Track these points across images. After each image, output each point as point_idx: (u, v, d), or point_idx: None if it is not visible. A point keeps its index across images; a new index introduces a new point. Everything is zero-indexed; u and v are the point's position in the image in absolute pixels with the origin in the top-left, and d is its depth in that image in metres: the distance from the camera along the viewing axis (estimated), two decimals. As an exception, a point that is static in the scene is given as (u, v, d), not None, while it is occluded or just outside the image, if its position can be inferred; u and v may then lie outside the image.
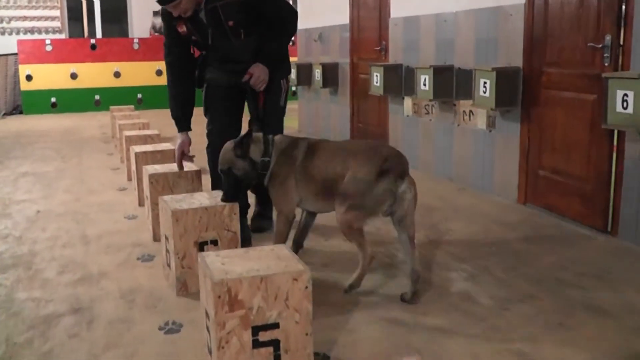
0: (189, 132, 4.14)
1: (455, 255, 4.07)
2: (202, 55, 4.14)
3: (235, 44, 3.89)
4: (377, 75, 6.97)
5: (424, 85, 6.14)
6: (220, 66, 4.07)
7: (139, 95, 13.87)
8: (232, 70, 3.96)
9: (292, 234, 3.74)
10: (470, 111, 5.92)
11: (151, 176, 4.34)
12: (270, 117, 4.00)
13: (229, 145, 3.43)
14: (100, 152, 8.20)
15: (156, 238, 4.35)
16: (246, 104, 4.20)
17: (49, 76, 13.40)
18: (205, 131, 4.22)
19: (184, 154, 4.16)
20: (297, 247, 3.77)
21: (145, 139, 6.38)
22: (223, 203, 3.47)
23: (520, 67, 5.19)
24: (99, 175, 6.75)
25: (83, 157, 7.87)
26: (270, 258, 2.60)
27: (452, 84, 6.07)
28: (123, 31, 15.33)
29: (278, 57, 4.02)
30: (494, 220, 4.86)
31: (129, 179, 6.30)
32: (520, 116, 5.26)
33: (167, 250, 3.56)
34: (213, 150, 3.97)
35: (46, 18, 14.45)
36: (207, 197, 3.62)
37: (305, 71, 9.16)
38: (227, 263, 2.54)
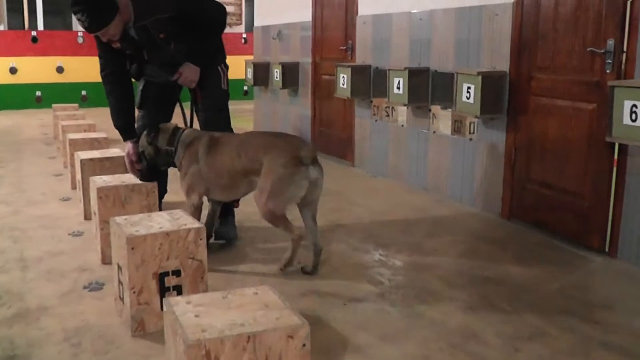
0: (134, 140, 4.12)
1: (447, 282, 3.64)
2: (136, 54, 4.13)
3: (169, 53, 4.01)
4: (343, 77, 6.51)
5: (398, 88, 5.71)
6: (157, 67, 4.13)
7: (84, 92, 13.15)
8: (168, 70, 4.03)
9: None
10: (434, 114, 5.52)
11: (100, 190, 3.79)
12: (211, 101, 4.18)
13: (146, 130, 3.85)
14: (42, 156, 7.54)
15: (105, 260, 3.81)
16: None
17: (-15, 71, 12.58)
18: (137, 124, 4.23)
19: (133, 161, 4.05)
20: (208, 237, 3.75)
21: (92, 144, 5.79)
22: (186, 227, 2.98)
23: (507, 72, 4.80)
24: (40, 183, 6.12)
25: (23, 162, 7.20)
26: (255, 306, 2.12)
27: (427, 87, 5.65)
28: (66, 24, 14.55)
29: (210, 53, 4.13)
30: (480, 237, 4.46)
31: (73, 187, 5.71)
32: (505, 124, 4.87)
33: (120, 282, 3.03)
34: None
35: (-17, 9, 13.60)
36: (167, 219, 3.10)
37: (262, 71, 8.65)
38: (202, 314, 2.04)
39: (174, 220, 3.07)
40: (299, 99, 8.02)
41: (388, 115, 6.30)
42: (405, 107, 5.95)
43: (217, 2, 4.11)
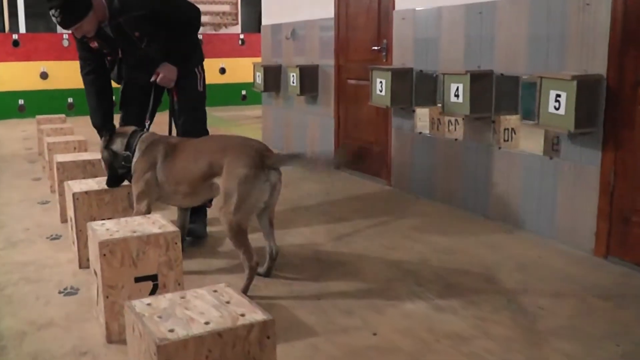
0: None
1: (582, 366, 2.66)
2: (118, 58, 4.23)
3: (144, 51, 4.05)
4: (381, 82, 5.53)
5: (456, 96, 4.74)
6: (136, 65, 4.17)
7: (70, 100, 12.09)
8: (147, 71, 4.13)
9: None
10: (513, 129, 4.57)
11: (103, 245, 2.77)
12: (187, 103, 4.27)
13: (104, 135, 3.78)
14: (25, 177, 6.50)
15: (112, 338, 2.81)
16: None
17: (-38, 77, 11.50)
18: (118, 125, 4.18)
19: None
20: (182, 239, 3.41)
21: (84, 167, 4.77)
22: (247, 322, 2.00)
23: (604, 76, 3.84)
24: (22, 214, 5.10)
25: (2, 184, 6.17)
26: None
27: (490, 94, 4.69)
28: (50, 27, 13.49)
29: (186, 53, 4.22)
30: (584, 286, 3.50)
31: (64, 221, 4.70)
32: (601, 141, 3.91)
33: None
34: None
35: (-41, 10, 12.50)
36: (213, 303, 2.11)
37: (273, 75, 7.66)
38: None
39: (222, 306, 2.08)
40: (319, 107, 7.03)
41: (436, 127, 5.32)
42: (459, 118, 4.98)
43: (191, 3, 4.25)
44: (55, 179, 4.83)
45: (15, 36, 11.89)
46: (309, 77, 6.93)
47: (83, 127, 6.76)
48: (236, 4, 14.00)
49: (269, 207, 3.49)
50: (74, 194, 3.69)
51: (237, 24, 14.07)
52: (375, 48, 6.02)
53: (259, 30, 15.71)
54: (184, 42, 4.16)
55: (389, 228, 4.63)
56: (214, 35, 13.48)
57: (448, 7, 5.10)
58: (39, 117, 7.87)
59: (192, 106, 4.31)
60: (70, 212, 3.86)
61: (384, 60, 5.93)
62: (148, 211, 3.62)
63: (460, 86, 4.72)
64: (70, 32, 3.95)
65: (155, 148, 3.67)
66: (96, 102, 4.20)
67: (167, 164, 3.60)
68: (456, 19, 5.03)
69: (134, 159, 3.70)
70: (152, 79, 4.09)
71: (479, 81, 4.65)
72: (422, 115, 5.45)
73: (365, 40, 6.21)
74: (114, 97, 4.33)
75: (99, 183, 3.93)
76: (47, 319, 3.12)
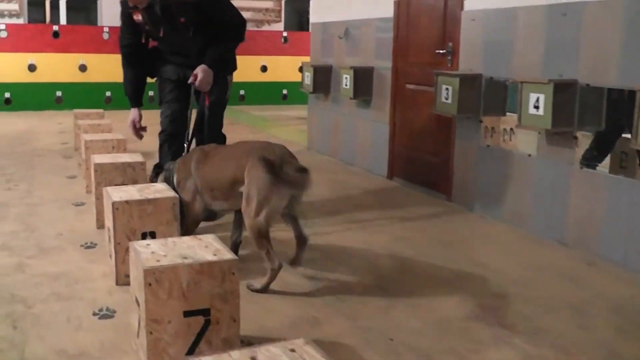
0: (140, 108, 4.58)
1: None
2: (155, 48, 4.46)
3: (185, 39, 4.17)
4: (447, 89, 5.08)
5: (536, 107, 4.27)
6: (171, 57, 4.36)
7: (108, 94, 11.82)
8: (181, 63, 4.32)
9: None
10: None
11: (148, 272, 2.35)
12: (214, 108, 4.36)
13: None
14: (59, 174, 6.15)
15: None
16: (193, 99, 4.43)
17: (2, 67, 11.28)
18: (160, 119, 4.52)
19: (137, 127, 4.53)
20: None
21: (124, 170, 4.39)
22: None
23: None
24: (55, 216, 4.74)
25: (35, 182, 5.82)
26: None
27: (573, 107, 4.21)
28: (90, 20, 13.25)
29: (226, 59, 4.34)
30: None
31: (99, 227, 4.33)
32: None
33: None
34: (165, 137, 4.45)
35: (1, -1, 12.27)
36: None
37: (323, 75, 7.23)
38: None
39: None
40: (372, 112, 6.59)
41: (507, 140, 4.85)
42: (533, 132, 4.51)
43: (240, 12, 4.38)
44: (92, 181, 4.46)
45: (55, 27, 11.63)
46: (363, 79, 6.48)
47: (121, 123, 6.41)
48: (280, 0, 13.61)
49: (293, 210, 3.47)
50: (113, 204, 3.30)
51: (280, 21, 13.68)
52: (440, 51, 5.55)
53: (301, 29, 15.43)
54: (223, 47, 4.25)
55: (457, 253, 4.17)
56: (256, 32, 13.10)
57: (525, 8, 4.62)
58: (76, 111, 7.54)
59: (214, 112, 4.40)
60: (108, 222, 3.46)
61: (449, 65, 5.46)
62: (198, 220, 3.77)
63: (542, 97, 4.25)
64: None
65: (189, 157, 3.81)
66: (130, 74, 4.46)
67: (199, 171, 3.66)
68: (535, 21, 4.55)
69: (175, 174, 3.80)
70: (190, 80, 4.14)
71: (563, 92, 4.17)
72: (491, 126, 4.98)
73: (427, 43, 5.75)
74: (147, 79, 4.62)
75: (140, 191, 3.52)
76: (79, 347, 2.72)
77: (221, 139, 4.50)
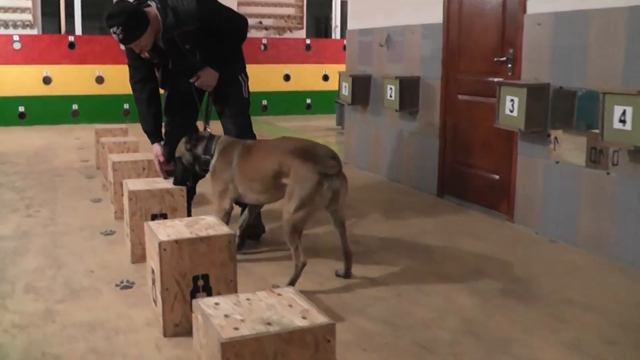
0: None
1: None
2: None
3: (192, 62, 4.19)
4: (513, 101, 4.59)
5: (621, 122, 3.78)
6: (181, 74, 4.26)
7: (126, 106, 11.37)
8: (190, 77, 4.20)
9: None
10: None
11: (227, 346, 1.86)
12: (234, 109, 4.39)
13: (185, 138, 3.96)
14: (83, 197, 5.69)
15: None
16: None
17: (16, 80, 10.83)
18: (163, 130, 4.50)
19: (161, 162, 4.33)
20: (242, 241, 4.12)
21: (161, 197, 3.92)
22: None
23: None
24: (83, 247, 4.27)
25: (57, 206, 5.36)
26: None
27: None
28: (105, 29, 12.83)
29: (229, 60, 4.29)
30: None
31: (135, 261, 3.87)
32: None
33: None
34: (169, 147, 4.30)
35: (14, 9, 11.84)
36: None
37: (362, 86, 6.75)
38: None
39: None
40: (419, 125, 6.10)
41: (582, 157, 4.35)
42: (614, 148, 4.02)
43: (239, 14, 4.38)
44: (126, 209, 3.98)
45: (71, 38, 11.21)
46: (409, 90, 6.00)
47: (142, 136, 6.00)
48: (302, 6, 13.15)
49: (338, 210, 3.60)
50: (160, 244, 2.82)
51: (302, 28, 13.21)
52: (500, 59, 5.06)
53: (318, 35, 14.94)
54: (228, 49, 4.24)
55: (546, 289, 3.67)
56: (278, 40, 12.62)
57: (602, 10, 4.14)
58: (97, 127, 7.07)
59: (239, 112, 4.41)
60: (153, 263, 2.98)
61: (509, 74, 4.98)
62: (231, 208, 3.83)
63: (629, 110, 3.76)
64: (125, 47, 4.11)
65: (231, 149, 3.82)
66: (147, 109, 4.39)
67: (242, 163, 3.74)
68: (614, 25, 4.06)
69: (213, 160, 3.86)
70: (192, 79, 4.14)
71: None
72: (562, 141, 4.49)
73: (483, 49, 5.26)
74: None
75: (189, 226, 3.05)
76: None
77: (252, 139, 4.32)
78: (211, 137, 3.95)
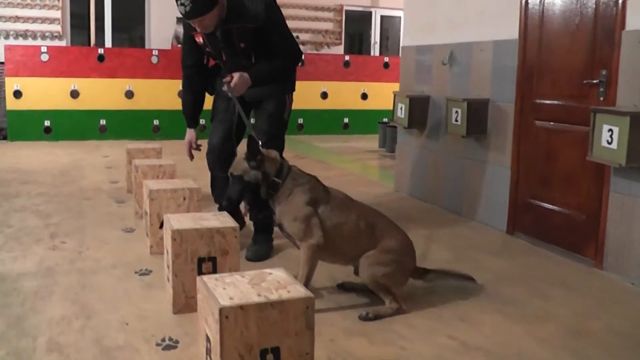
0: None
1: None
2: (218, 66, 4.43)
3: (244, 64, 4.11)
4: (611, 131, 3.97)
5: None
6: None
7: (156, 122, 10.89)
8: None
9: None
10: None
11: None
12: (269, 127, 4.27)
13: (246, 154, 3.46)
14: (114, 226, 5.11)
15: None
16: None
17: (43, 93, 10.36)
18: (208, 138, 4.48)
19: (192, 146, 4.56)
20: None
21: (211, 238, 3.33)
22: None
23: None
24: (116, 292, 3.70)
25: (86, 237, 4.79)
26: None
27: None
28: (138, 41, 12.37)
29: (273, 77, 4.22)
30: None
31: (177, 312, 3.29)
32: None
33: None
34: (211, 156, 4.42)
35: (43, 20, 11.42)
36: None
37: (420, 107, 6.16)
38: None
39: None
40: (486, 152, 5.48)
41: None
42: None
43: (296, 42, 4.32)
44: (169, 252, 3.40)
45: (100, 50, 10.74)
46: (477, 113, 5.39)
47: (175, 155, 5.56)
48: (340, 21, 12.62)
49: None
50: (221, 310, 2.22)
51: (340, 43, 12.68)
52: (588, 82, 4.44)
53: (356, 52, 14.39)
54: (277, 65, 4.18)
55: None
56: (316, 55, 12.05)
57: None
58: (129, 146, 6.52)
59: (274, 133, 4.28)
60: (209, 330, 2.38)
61: (600, 99, 4.36)
62: (322, 241, 3.38)
63: None
64: (192, 24, 4.01)
65: (312, 186, 3.49)
66: (189, 95, 4.50)
67: (329, 210, 3.44)
68: None
69: (285, 190, 3.45)
70: (225, 79, 4.01)
71: None
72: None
73: (569, 70, 4.65)
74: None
75: (255, 284, 2.45)
76: None
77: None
78: (282, 161, 3.55)
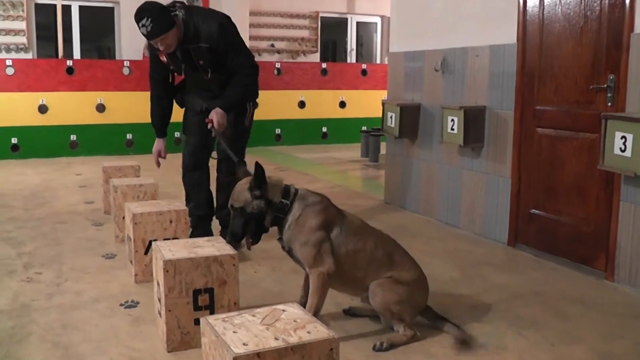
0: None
1: None
2: (183, 81, 4.74)
3: (205, 78, 4.48)
4: (624, 139, 3.75)
5: None
6: (195, 90, 4.65)
7: (129, 136, 10.51)
8: (204, 95, 4.59)
9: None
10: None
11: None
12: (231, 132, 4.51)
13: (249, 184, 3.19)
14: (93, 252, 4.77)
15: None
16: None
17: (8, 108, 9.91)
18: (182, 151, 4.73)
19: (160, 155, 4.81)
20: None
21: (207, 268, 3.02)
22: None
23: None
24: (101, 330, 3.37)
25: (63, 266, 4.45)
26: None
27: None
28: (106, 52, 11.96)
29: (239, 101, 4.53)
30: None
31: (172, 350, 2.98)
32: None
33: None
34: (185, 168, 4.71)
35: (7, 32, 10.95)
36: None
37: (410, 116, 5.91)
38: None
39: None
40: (485, 162, 5.24)
41: None
42: None
43: (253, 57, 4.59)
44: (160, 284, 3.08)
45: (69, 62, 10.33)
46: (473, 122, 5.15)
47: (153, 172, 5.46)
48: (316, 29, 12.35)
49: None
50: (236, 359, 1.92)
51: (316, 51, 12.40)
52: (596, 87, 4.22)
53: (330, 59, 14.12)
54: (242, 87, 4.45)
55: None
56: (293, 64, 11.76)
57: None
58: (105, 164, 6.17)
59: (234, 138, 4.51)
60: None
61: (609, 104, 4.15)
62: (333, 269, 3.14)
63: None
64: (153, 44, 4.27)
65: (323, 208, 3.24)
66: (156, 106, 4.73)
67: (343, 233, 3.23)
68: None
69: (294, 213, 3.20)
70: (209, 127, 4.30)
71: None
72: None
73: (573, 75, 4.43)
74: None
75: (269, 323, 2.16)
76: None
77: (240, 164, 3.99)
78: (287, 185, 3.31)
